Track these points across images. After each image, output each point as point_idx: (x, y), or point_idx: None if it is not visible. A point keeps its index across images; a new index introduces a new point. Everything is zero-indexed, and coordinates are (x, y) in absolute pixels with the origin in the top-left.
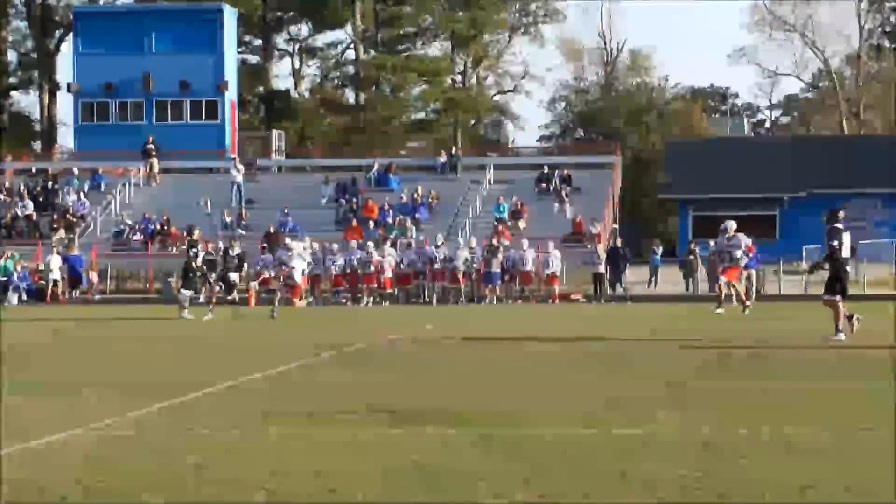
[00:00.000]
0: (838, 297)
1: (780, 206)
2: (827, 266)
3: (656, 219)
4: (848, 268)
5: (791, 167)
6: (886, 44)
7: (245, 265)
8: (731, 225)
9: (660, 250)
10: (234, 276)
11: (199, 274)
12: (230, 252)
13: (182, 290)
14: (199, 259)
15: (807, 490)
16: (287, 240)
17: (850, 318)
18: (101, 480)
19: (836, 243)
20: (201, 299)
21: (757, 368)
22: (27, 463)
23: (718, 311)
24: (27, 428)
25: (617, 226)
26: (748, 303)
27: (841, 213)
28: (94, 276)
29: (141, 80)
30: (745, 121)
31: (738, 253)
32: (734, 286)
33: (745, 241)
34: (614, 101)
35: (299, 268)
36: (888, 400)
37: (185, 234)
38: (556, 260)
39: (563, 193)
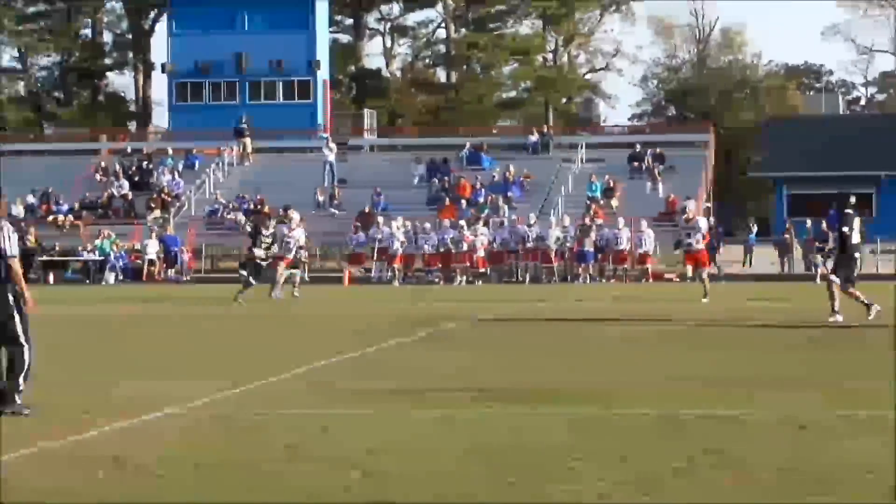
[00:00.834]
0: (837, 279)
1: (877, 184)
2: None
3: (750, 197)
4: (858, 254)
5: (888, 144)
6: None
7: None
8: (690, 205)
9: (754, 229)
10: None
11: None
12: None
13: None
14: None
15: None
16: (289, 211)
17: (868, 305)
18: (197, 460)
19: (846, 229)
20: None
21: (853, 347)
22: (124, 441)
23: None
24: (124, 407)
25: (711, 204)
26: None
27: (852, 199)
28: (187, 256)
29: (234, 60)
30: (840, 98)
31: (699, 237)
32: (699, 272)
33: (704, 224)
34: (707, 78)
35: (298, 238)
36: None
37: (280, 211)
38: (649, 239)
39: (656, 172)
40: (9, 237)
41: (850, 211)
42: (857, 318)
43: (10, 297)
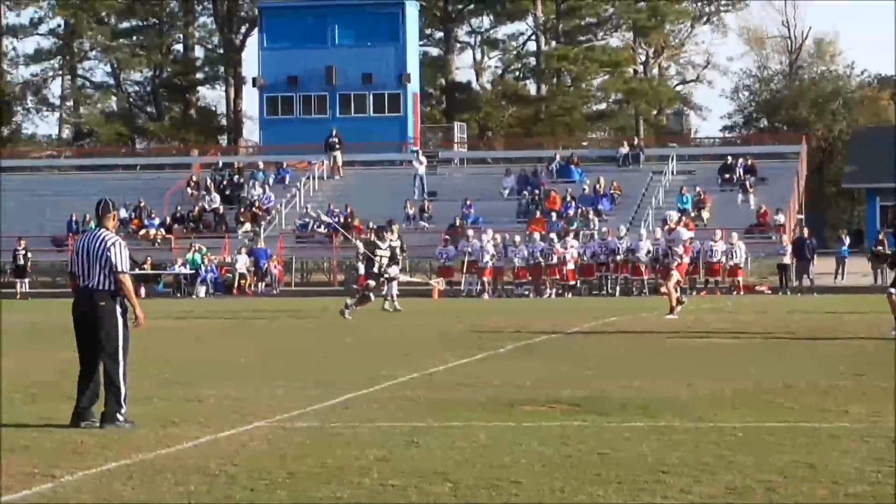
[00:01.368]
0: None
1: None
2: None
3: (842, 208)
4: None
5: None
6: None
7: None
8: (672, 216)
9: (847, 241)
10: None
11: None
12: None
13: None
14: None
15: None
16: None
17: None
18: (288, 472)
19: (881, 248)
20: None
21: None
22: (215, 453)
23: (670, 317)
24: (215, 418)
25: (802, 216)
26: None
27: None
28: (276, 269)
29: (324, 74)
30: None
31: (679, 249)
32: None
33: (685, 235)
34: (799, 89)
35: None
36: None
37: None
38: (740, 251)
39: (747, 184)
40: (120, 252)
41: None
42: None
43: (119, 312)
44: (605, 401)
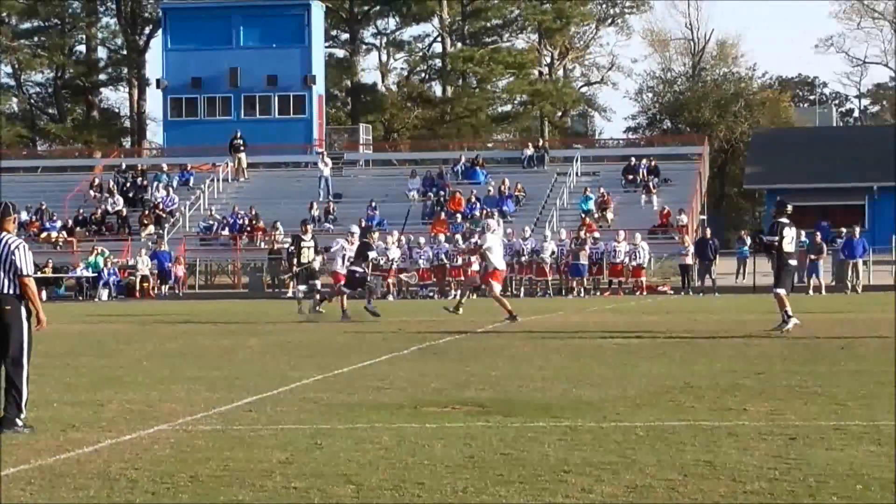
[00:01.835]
0: (782, 290)
1: (869, 195)
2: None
3: (744, 209)
4: (793, 262)
5: (880, 156)
6: None
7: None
8: (490, 224)
9: (748, 241)
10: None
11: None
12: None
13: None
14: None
15: None
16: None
17: (786, 315)
18: (190, 475)
19: (776, 238)
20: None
21: (846, 358)
22: (117, 457)
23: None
24: (116, 422)
25: (704, 217)
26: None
27: (789, 208)
28: (179, 271)
29: (228, 75)
30: (834, 110)
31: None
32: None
33: (489, 240)
34: (701, 91)
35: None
36: None
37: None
38: (643, 251)
39: (650, 185)
40: (25, 255)
41: (783, 220)
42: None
43: (24, 316)
44: (509, 401)
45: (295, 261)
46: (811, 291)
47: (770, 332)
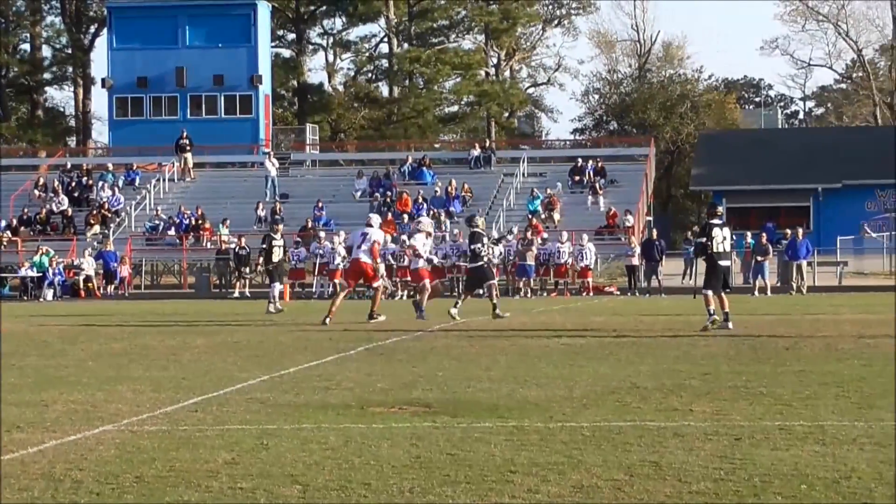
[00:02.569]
0: (709, 291)
1: (814, 196)
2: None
3: (690, 210)
4: (725, 262)
5: (824, 158)
6: None
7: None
8: (424, 222)
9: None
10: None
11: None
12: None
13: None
14: (279, 251)
15: (841, 482)
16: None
17: (709, 314)
18: (135, 476)
19: (704, 239)
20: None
21: (790, 358)
22: (61, 458)
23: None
24: (61, 422)
25: (651, 218)
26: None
27: (720, 209)
28: (124, 271)
29: (174, 75)
30: (779, 112)
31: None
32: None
33: (419, 240)
34: (647, 92)
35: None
36: None
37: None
38: (590, 252)
39: (597, 186)
40: None
41: (715, 221)
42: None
43: None
44: (456, 402)
45: (262, 259)
46: (756, 292)
47: (709, 330)
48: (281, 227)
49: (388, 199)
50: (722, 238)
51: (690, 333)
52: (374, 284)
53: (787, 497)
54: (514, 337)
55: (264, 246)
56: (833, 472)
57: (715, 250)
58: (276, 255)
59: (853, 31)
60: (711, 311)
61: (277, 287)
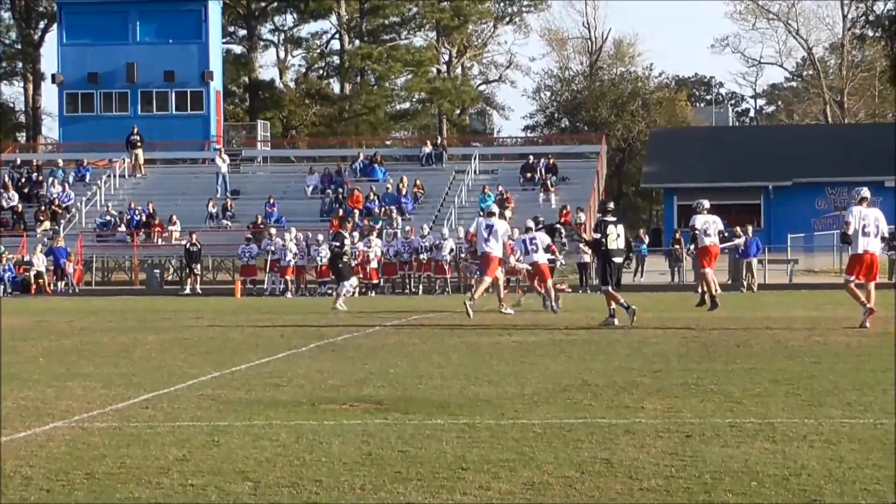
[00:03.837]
0: (608, 287)
1: (764, 194)
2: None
3: (641, 208)
4: (619, 259)
5: (775, 156)
6: (869, 33)
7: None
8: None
9: (646, 239)
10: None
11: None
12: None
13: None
14: (346, 249)
15: (791, 478)
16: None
17: (623, 307)
18: (86, 472)
19: (599, 236)
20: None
21: (741, 355)
22: (11, 454)
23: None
24: (11, 419)
25: (601, 215)
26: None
27: (610, 206)
28: (71, 268)
29: (125, 71)
30: (730, 110)
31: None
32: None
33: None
34: (599, 90)
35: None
36: (873, 387)
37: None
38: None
39: (549, 183)
40: None
41: (607, 218)
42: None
43: None
44: (407, 399)
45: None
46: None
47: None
48: (349, 225)
49: (340, 196)
50: (616, 235)
51: (640, 332)
52: (489, 278)
53: (737, 494)
54: (466, 334)
55: (336, 244)
56: (783, 470)
57: (609, 247)
58: (347, 253)
59: (803, 29)
60: (614, 309)
61: (347, 285)
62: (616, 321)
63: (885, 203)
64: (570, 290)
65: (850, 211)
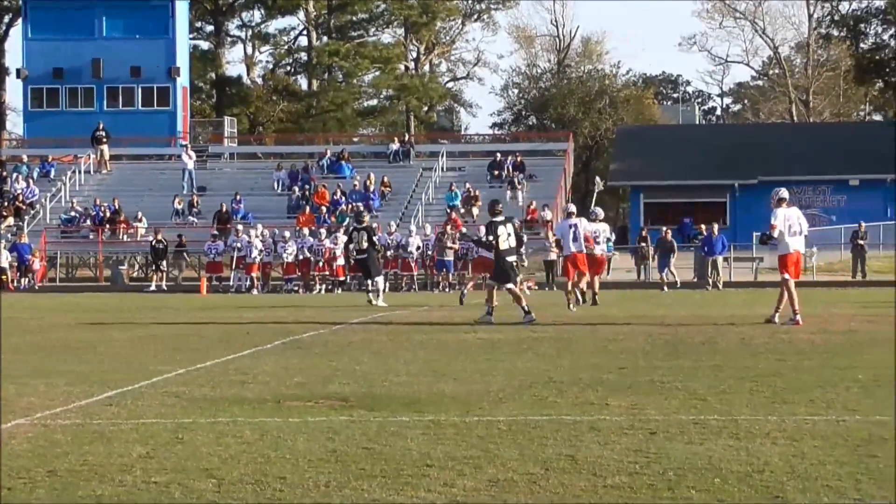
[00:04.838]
0: (495, 284)
1: (730, 192)
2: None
3: (610, 206)
4: (511, 258)
5: (741, 154)
6: (835, 32)
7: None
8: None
9: (612, 237)
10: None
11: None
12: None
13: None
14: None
15: (754, 475)
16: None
17: (490, 310)
18: (48, 470)
19: (491, 238)
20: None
21: (706, 353)
22: None
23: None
24: None
25: None
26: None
27: (499, 206)
28: (36, 264)
29: (91, 66)
30: (696, 108)
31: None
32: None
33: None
34: (566, 87)
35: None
36: (836, 384)
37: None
38: None
39: (516, 180)
40: None
41: (497, 219)
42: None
43: None
44: (373, 396)
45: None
46: (665, 288)
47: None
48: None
49: (307, 193)
50: (507, 235)
51: (606, 330)
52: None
53: (700, 490)
54: (432, 331)
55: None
56: (746, 466)
57: (500, 247)
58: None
59: (770, 28)
60: (526, 307)
61: (381, 280)
62: (492, 319)
63: (852, 199)
64: (535, 286)
65: (774, 213)
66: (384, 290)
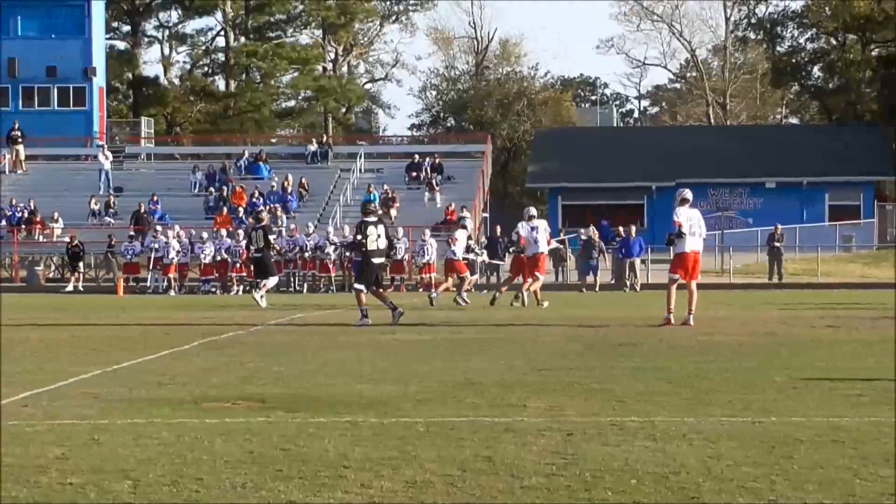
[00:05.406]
0: (362, 287)
1: (648, 195)
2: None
3: (526, 207)
4: (379, 260)
5: (659, 156)
6: (752, 35)
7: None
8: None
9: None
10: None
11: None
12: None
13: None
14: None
15: (670, 476)
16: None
17: (390, 308)
18: None
19: (360, 237)
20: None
21: (625, 354)
22: None
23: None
24: None
25: (487, 214)
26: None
27: (372, 206)
28: None
29: (6, 66)
30: (614, 110)
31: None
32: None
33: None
34: (485, 89)
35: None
36: (756, 383)
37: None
38: (431, 248)
39: (434, 182)
40: None
41: (367, 219)
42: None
43: None
44: (292, 397)
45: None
46: (585, 289)
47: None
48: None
49: (224, 194)
50: (377, 236)
51: (528, 330)
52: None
53: (617, 492)
54: (351, 333)
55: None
56: (663, 468)
57: (369, 248)
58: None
59: (687, 31)
60: (364, 310)
61: (272, 281)
62: (369, 321)
63: (769, 202)
64: (454, 289)
65: (677, 212)
66: (268, 291)
